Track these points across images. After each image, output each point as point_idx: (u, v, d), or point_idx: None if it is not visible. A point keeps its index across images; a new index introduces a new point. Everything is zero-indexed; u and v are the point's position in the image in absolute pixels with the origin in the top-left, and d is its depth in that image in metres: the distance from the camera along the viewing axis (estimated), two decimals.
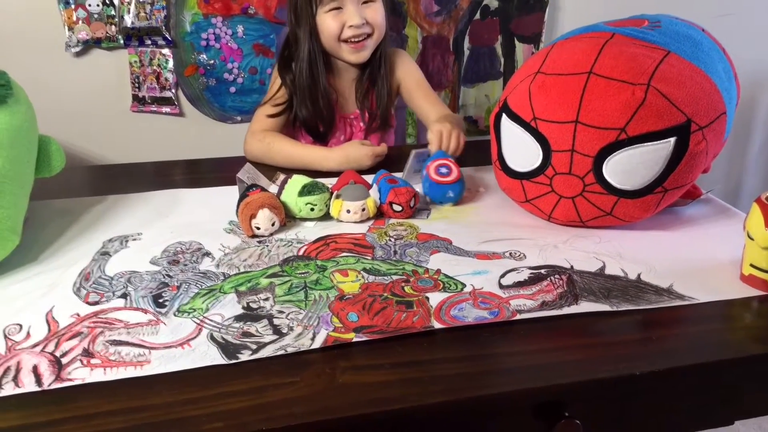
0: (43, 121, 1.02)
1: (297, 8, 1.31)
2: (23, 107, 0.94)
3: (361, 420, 0.62)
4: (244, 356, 0.68)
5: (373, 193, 1.03)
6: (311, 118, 1.36)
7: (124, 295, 0.81)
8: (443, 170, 1.07)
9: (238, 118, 1.70)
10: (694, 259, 0.89)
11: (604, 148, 0.89)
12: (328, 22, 1.29)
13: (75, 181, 1.26)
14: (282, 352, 0.69)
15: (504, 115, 0.99)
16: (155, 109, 1.65)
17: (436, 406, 0.63)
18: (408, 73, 1.44)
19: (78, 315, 0.76)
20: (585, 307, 0.77)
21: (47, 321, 0.75)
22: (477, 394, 0.64)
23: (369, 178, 1.11)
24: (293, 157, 1.28)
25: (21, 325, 0.74)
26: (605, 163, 0.90)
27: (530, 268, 0.87)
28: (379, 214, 1.03)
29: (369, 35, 1.31)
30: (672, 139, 0.87)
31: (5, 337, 0.72)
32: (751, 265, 0.82)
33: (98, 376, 0.66)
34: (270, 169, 1.19)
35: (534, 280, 0.84)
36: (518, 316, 0.75)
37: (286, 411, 0.61)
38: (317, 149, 1.31)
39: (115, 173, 1.35)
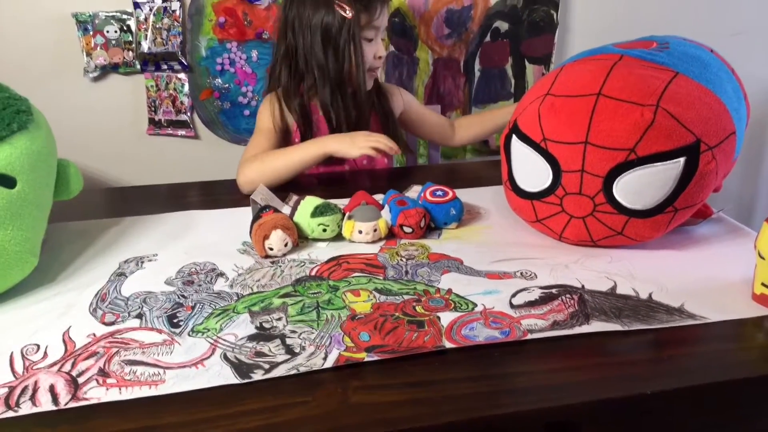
0: (62, 145, 1.04)
1: (330, 33, 1.28)
2: (43, 132, 0.96)
3: None
4: (257, 376, 0.69)
5: (385, 213, 1.04)
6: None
7: (140, 316, 0.82)
8: (439, 193, 1.09)
9: None
10: (705, 279, 0.89)
11: (614, 169, 0.89)
12: (365, 51, 1.32)
13: (92, 203, 1.28)
14: (294, 371, 0.70)
15: (514, 136, 1.00)
16: (171, 132, 1.68)
17: (448, 426, 0.63)
18: (410, 97, 1.54)
19: (94, 335, 0.78)
20: (596, 326, 0.77)
21: (64, 341, 0.76)
22: (488, 414, 0.64)
23: (380, 199, 1.12)
24: (288, 160, 1.26)
25: (38, 345, 0.76)
26: (615, 183, 0.90)
27: (541, 287, 0.87)
28: (391, 234, 1.04)
29: None
30: (681, 159, 0.87)
31: (23, 356, 0.74)
32: (763, 284, 0.81)
33: (114, 395, 0.67)
34: (283, 191, 1.20)
35: (545, 299, 0.84)
36: (529, 336, 0.76)
37: (299, 430, 0.62)
38: (310, 141, 1.30)
39: (131, 195, 1.37)
